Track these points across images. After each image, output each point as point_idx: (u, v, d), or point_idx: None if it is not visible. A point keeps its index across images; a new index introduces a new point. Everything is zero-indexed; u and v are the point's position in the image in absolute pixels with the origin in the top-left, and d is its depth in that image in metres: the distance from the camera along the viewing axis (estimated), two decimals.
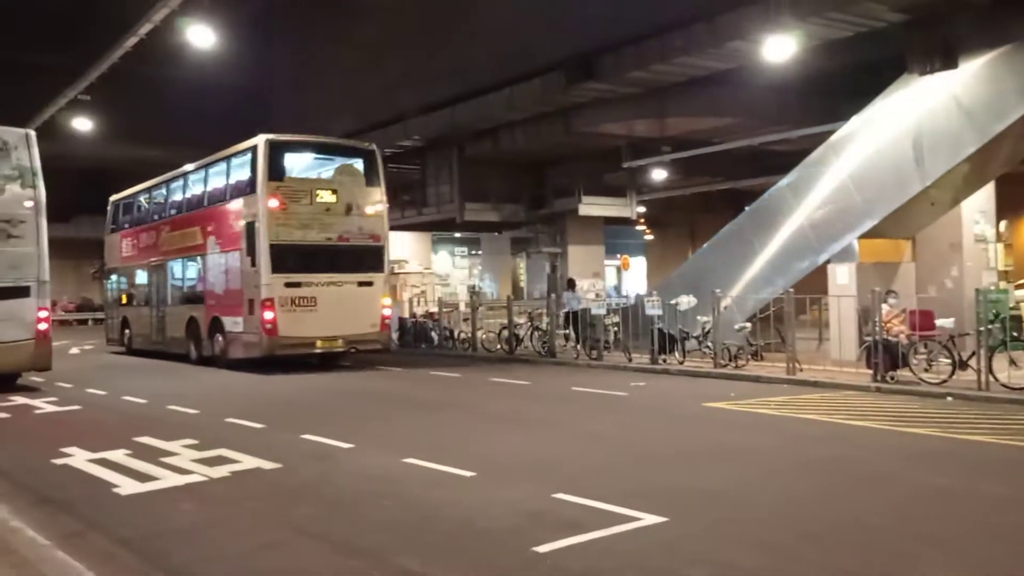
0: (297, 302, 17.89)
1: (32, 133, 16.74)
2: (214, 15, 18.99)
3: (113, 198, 25.90)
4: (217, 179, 20.34)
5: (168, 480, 8.31)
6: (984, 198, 18.85)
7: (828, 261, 18.11)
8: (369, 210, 19.03)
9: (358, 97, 27.21)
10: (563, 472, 8.32)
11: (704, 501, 7.16)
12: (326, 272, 18.21)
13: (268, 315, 17.65)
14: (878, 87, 17.45)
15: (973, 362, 13.33)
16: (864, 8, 15.87)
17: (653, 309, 17.92)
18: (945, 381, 13.37)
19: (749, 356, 16.88)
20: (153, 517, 7.16)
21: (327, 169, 19.74)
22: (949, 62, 16.00)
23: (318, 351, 18.51)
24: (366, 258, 18.87)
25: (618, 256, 43.13)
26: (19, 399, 14.77)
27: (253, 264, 18.10)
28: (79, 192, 30.19)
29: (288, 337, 17.89)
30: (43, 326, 15.96)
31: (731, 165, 27.38)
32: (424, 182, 29.75)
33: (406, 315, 25.60)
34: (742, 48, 17.94)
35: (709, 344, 17.41)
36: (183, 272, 21.84)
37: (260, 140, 18.24)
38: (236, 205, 19.06)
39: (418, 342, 23.95)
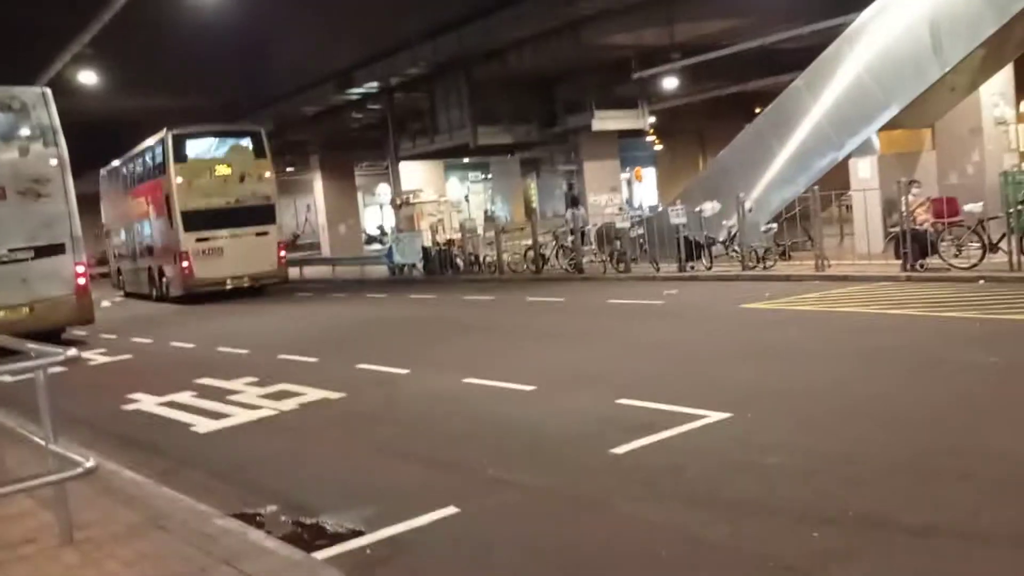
0: (207, 252, 23.31)
1: (48, 91, 16.72)
2: None
3: (102, 171, 30.32)
4: (148, 162, 25.76)
5: (240, 416, 8.65)
6: (1003, 80, 18.68)
7: (849, 156, 18.10)
8: (258, 178, 24.41)
9: (363, 27, 26.82)
10: (620, 380, 8.61)
11: (765, 396, 7.44)
12: (228, 228, 23.50)
13: (184, 264, 23.20)
14: None
15: (1003, 244, 13.48)
16: None
17: (678, 218, 18.04)
18: (975, 265, 13.54)
19: (777, 256, 17.04)
20: (237, 450, 7.50)
21: (222, 149, 24.77)
22: None
23: (228, 287, 23.57)
24: (259, 214, 24.04)
25: (629, 169, 42.97)
26: (70, 352, 15.11)
27: (172, 226, 23.60)
28: (88, 147, 30.13)
29: (203, 278, 23.21)
30: (82, 280, 16.23)
31: (740, 68, 26.98)
32: (434, 109, 29.53)
33: (428, 244, 25.81)
34: None
35: (736, 248, 17.57)
36: (142, 232, 26.91)
37: (166, 134, 23.83)
38: (159, 182, 24.52)
39: (444, 269, 24.21)
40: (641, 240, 19.64)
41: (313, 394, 9.25)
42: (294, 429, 8.10)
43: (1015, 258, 13.04)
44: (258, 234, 23.95)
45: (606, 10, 21.55)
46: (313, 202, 44.91)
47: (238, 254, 23.51)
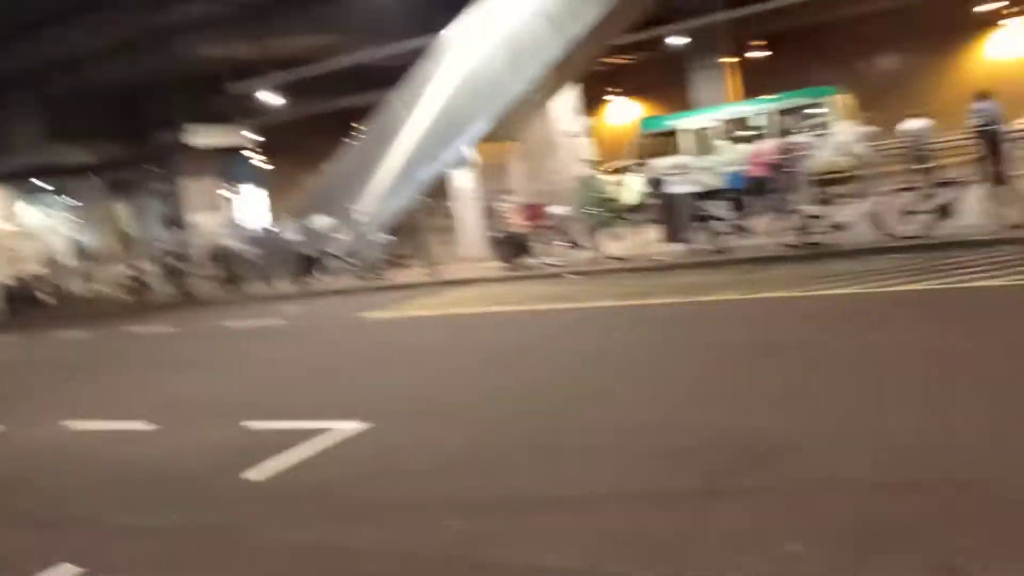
0: None
1: None
2: None
3: None
4: None
5: None
6: (571, 97, 21.09)
7: (448, 168, 19.23)
8: None
9: None
10: (247, 403, 8.26)
11: (396, 401, 7.60)
12: None
13: None
14: None
15: (583, 242, 15.24)
16: None
17: (291, 233, 17.83)
18: (562, 263, 15.11)
19: (392, 266, 17.57)
20: None
21: None
22: None
23: None
24: None
25: (235, 186, 41.45)
26: None
27: None
28: None
29: None
30: None
31: (337, 84, 27.42)
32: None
33: (9, 281, 22.75)
34: None
35: (353, 261, 17.80)
36: None
37: None
38: None
39: (29, 307, 21.47)
40: (257, 259, 19.09)
41: None
42: None
43: (593, 253, 14.80)
44: None
45: (196, 22, 20.65)
46: None
47: None
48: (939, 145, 15.28)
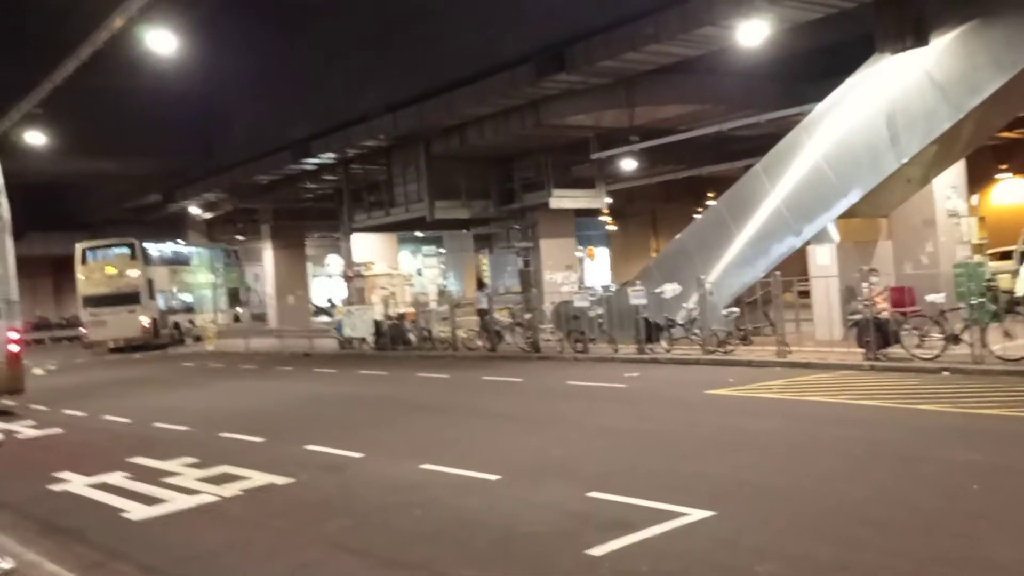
0: (97, 322, 32.99)
1: None
2: (168, 18, 18.40)
3: (78, 245, 34.88)
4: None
5: (177, 502, 7.96)
6: (955, 173, 19.06)
7: (807, 243, 18.18)
8: (131, 274, 33.56)
9: (318, 100, 26.65)
10: (589, 470, 8.14)
11: (746, 492, 7.03)
12: (110, 306, 32.89)
13: (83, 330, 33.97)
14: (843, 69, 17.51)
15: (965, 336, 13.44)
16: None
17: (638, 298, 17.83)
18: (938, 356, 13.45)
19: (738, 341, 16.85)
20: (172, 542, 6.83)
21: (111, 254, 34.28)
22: (920, 39, 16.09)
23: (112, 346, 33.09)
24: (131, 298, 33.12)
25: (582, 248, 43.11)
26: None
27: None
28: (30, 208, 29.29)
29: (95, 340, 33.25)
30: (14, 347, 15.30)
31: (695, 152, 27.39)
32: (391, 181, 29.25)
33: (379, 317, 25.21)
34: (712, 34, 17.83)
35: (697, 331, 17.36)
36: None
37: (77, 247, 34.07)
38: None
39: (396, 344, 23.59)
40: (600, 320, 19.35)
41: (258, 478, 8.60)
42: (236, 518, 7.44)
43: (977, 350, 12.99)
44: (129, 311, 32.97)
45: (568, 91, 21.69)
46: (262, 271, 44.02)
47: (115, 324, 32.80)
48: None
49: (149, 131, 30.69)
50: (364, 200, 31.40)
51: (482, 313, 22.33)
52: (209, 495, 8.11)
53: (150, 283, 34.03)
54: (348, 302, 31.16)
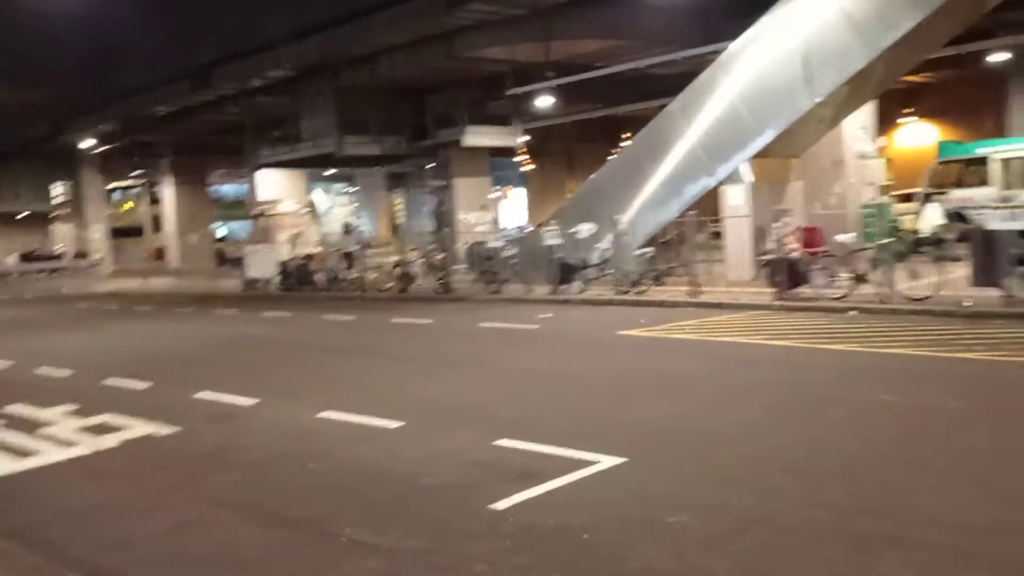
0: None
1: None
2: None
3: None
4: None
5: (50, 455, 7.30)
6: (864, 114, 19.13)
7: (721, 183, 18.03)
8: None
9: (220, 24, 25.21)
10: (499, 415, 7.76)
11: (659, 436, 6.76)
12: None
13: None
14: (764, 5, 17.24)
15: (872, 276, 13.52)
16: None
17: (552, 239, 17.47)
18: (846, 296, 13.50)
19: (651, 281, 16.68)
20: (40, 500, 6.20)
21: None
22: None
23: None
24: None
25: (499, 187, 42.52)
26: None
27: None
28: None
29: None
30: None
31: (612, 91, 27.02)
32: (298, 115, 28.04)
33: (285, 257, 24.33)
34: None
35: (610, 271, 17.13)
36: None
37: None
38: None
39: (302, 285, 22.80)
40: (514, 261, 18.95)
41: (140, 428, 7.95)
42: (114, 472, 6.83)
43: (885, 290, 13.07)
44: None
45: (483, 21, 20.93)
46: (161, 210, 42.19)
47: None
48: None
49: (36, 56, 28.71)
50: (270, 135, 30.11)
51: (348, 257, 22.33)
52: (86, 447, 7.45)
53: None
54: (253, 241, 30.04)
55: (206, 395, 9.31)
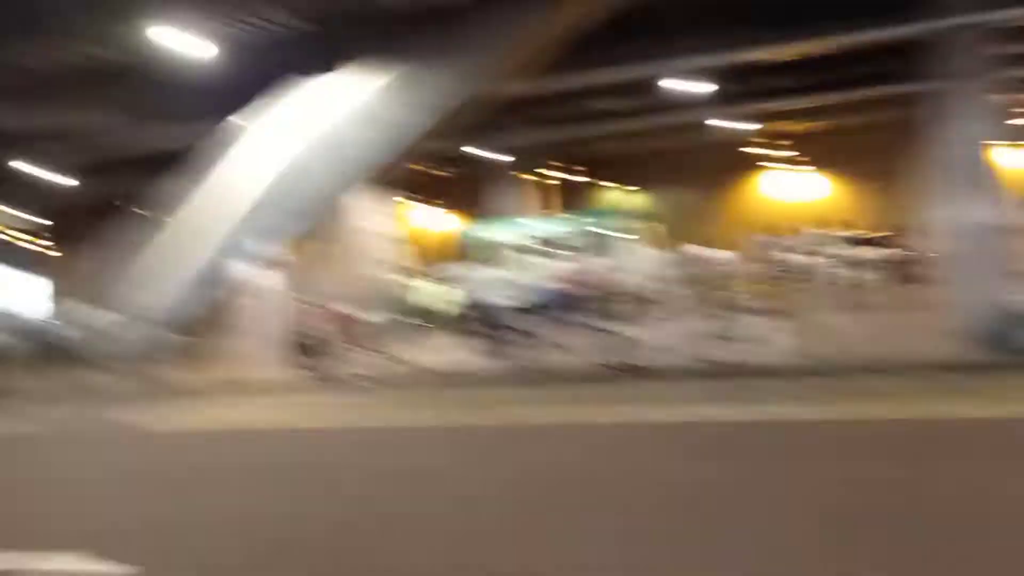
0: None
1: None
2: None
3: None
4: None
5: None
6: (375, 198, 20.55)
7: (246, 265, 17.92)
8: None
9: None
10: None
11: (168, 536, 6.40)
12: None
13: None
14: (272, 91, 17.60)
15: (390, 349, 14.55)
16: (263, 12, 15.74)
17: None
18: (373, 371, 14.24)
19: (176, 365, 15.91)
20: None
21: None
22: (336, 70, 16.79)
23: None
24: None
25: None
26: None
27: None
28: None
29: None
30: None
31: (135, 168, 25.49)
32: None
33: None
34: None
35: (135, 358, 16.01)
36: None
37: None
38: None
39: None
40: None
41: None
42: None
43: (400, 363, 14.15)
44: None
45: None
46: None
47: None
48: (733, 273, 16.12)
49: None
50: None
51: None
52: None
53: None
54: None
55: None
